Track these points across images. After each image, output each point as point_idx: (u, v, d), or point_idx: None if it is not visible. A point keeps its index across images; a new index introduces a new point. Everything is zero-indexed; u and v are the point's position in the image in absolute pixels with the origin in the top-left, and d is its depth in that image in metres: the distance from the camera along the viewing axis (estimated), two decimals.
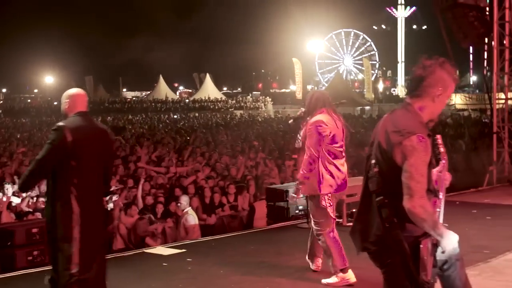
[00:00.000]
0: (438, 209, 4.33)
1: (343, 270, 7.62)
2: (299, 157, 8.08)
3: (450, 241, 4.08)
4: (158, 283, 7.80)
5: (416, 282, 4.13)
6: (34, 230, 9.54)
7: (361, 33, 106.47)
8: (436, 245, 4.14)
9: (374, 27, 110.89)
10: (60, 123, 6.01)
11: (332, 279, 7.71)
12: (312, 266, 8.20)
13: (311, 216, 8.05)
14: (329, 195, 7.71)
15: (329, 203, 7.74)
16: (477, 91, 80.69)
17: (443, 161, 4.45)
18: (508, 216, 11.96)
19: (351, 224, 10.68)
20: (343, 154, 7.83)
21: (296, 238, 10.23)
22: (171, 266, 8.49)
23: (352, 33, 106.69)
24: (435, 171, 4.39)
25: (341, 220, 11.20)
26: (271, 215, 12.53)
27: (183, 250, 9.46)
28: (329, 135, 7.61)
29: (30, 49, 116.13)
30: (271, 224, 12.26)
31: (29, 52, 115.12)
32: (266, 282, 7.82)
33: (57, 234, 5.92)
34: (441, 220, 4.27)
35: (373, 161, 4.29)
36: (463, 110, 55.99)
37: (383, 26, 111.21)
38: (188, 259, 8.90)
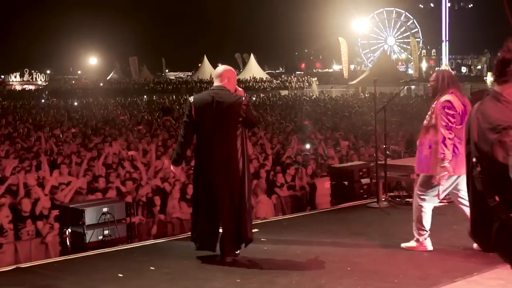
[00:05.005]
0: None
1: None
2: (424, 135, 8.08)
3: None
4: (237, 262, 7.71)
5: None
6: (105, 209, 9.49)
7: (403, 11, 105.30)
8: None
9: (420, 5, 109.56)
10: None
11: (411, 243, 8.16)
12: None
13: (416, 186, 8.25)
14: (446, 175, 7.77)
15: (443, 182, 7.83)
16: None
17: None
18: None
19: None
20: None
21: (368, 218, 10.10)
22: (246, 247, 8.35)
23: (394, 12, 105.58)
24: None
25: (411, 200, 10.97)
26: (335, 194, 12.40)
27: (256, 230, 9.30)
28: (456, 116, 7.69)
29: (74, 31, 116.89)
30: (335, 204, 12.12)
31: (72, 33, 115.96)
32: (346, 262, 7.67)
33: None
34: None
35: (474, 160, 4.02)
36: None
37: (422, 6, 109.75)
38: (263, 239, 8.78)
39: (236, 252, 7.87)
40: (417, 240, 8.10)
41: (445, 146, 7.64)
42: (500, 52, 4.07)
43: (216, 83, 7.89)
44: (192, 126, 7.83)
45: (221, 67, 8.10)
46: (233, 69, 8.19)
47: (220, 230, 7.88)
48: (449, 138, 7.62)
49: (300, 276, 7.22)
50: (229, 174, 7.70)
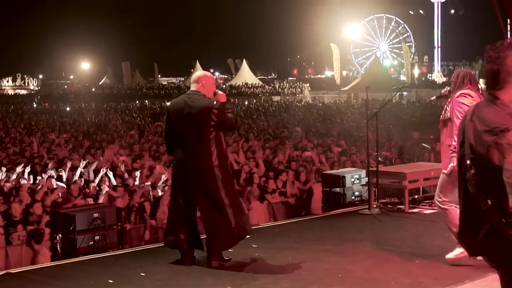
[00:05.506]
0: None
1: None
2: (441, 131, 7.92)
3: None
4: (228, 269, 7.70)
5: None
6: (96, 215, 9.48)
7: (393, 17, 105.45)
8: None
9: (410, 12, 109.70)
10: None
11: (457, 251, 7.62)
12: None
13: (437, 188, 7.84)
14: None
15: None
16: None
17: None
18: None
19: (414, 210, 10.60)
20: None
21: (360, 225, 10.10)
22: (237, 252, 8.33)
23: (384, 18, 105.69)
24: None
25: (403, 206, 11.01)
26: (327, 201, 12.42)
27: (247, 236, 9.30)
28: None
29: (66, 36, 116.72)
30: (326, 210, 12.13)
31: (65, 38, 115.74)
32: (337, 270, 7.65)
33: None
34: None
35: (468, 162, 4.01)
36: None
37: (421, 11, 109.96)
38: (254, 245, 8.76)
39: (226, 258, 7.90)
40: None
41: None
42: (486, 63, 4.06)
43: (192, 88, 8.00)
44: (170, 132, 8.01)
45: (198, 72, 8.28)
46: (209, 74, 8.27)
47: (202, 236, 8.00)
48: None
49: (291, 283, 7.20)
50: (202, 178, 7.73)
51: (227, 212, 7.75)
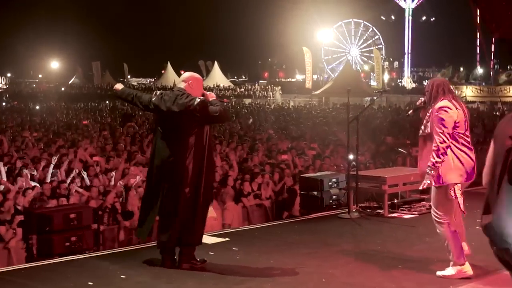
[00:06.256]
0: None
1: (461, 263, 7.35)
2: (422, 147, 7.61)
3: None
4: (210, 271, 7.61)
5: None
6: (72, 216, 9.30)
7: (361, 21, 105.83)
8: None
9: (382, 17, 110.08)
10: None
11: (448, 271, 7.40)
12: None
13: (431, 205, 7.60)
14: (458, 185, 7.27)
15: (456, 194, 7.26)
16: (483, 84, 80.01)
17: None
18: None
19: (393, 215, 10.55)
20: (470, 141, 7.50)
21: (340, 229, 10.05)
22: (218, 256, 8.24)
23: (353, 23, 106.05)
24: None
25: (382, 211, 10.96)
26: (305, 204, 12.32)
27: (227, 239, 9.22)
28: (456, 121, 7.30)
29: (36, 34, 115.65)
30: (304, 213, 12.05)
31: (34, 37, 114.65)
32: (320, 274, 7.58)
33: None
34: None
35: None
36: (472, 102, 55.67)
37: (392, 17, 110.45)
38: (234, 248, 8.67)
39: (198, 259, 7.80)
40: (455, 264, 7.39)
41: (436, 153, 7.23)
42: None
43: (179, 85, 8.05)
44: (143, 103, 8.02)
45: (186, 73, 8.28)
46: (197, 76, 8.25)
47: None
48: (443, 147, 7.21)
49: (275, 287, 7.11)
50: (172, 170, 7.69)
51: (179, 212, 7.68)
